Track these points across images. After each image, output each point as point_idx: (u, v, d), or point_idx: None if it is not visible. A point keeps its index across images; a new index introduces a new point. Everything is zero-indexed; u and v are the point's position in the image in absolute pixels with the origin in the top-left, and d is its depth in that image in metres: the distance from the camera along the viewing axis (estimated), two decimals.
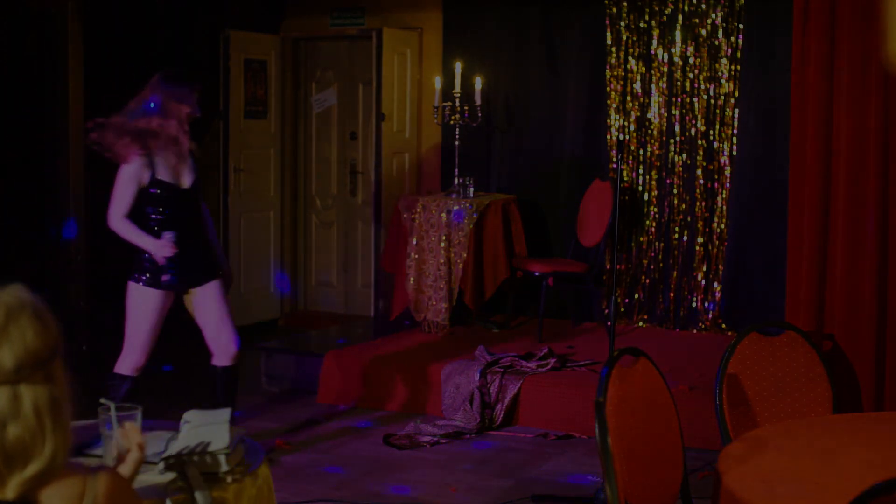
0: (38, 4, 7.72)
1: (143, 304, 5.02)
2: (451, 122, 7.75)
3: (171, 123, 4.94)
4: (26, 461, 1.74)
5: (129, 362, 5.18)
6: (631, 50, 7.64)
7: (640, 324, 7.71)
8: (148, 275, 4.99)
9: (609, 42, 7.67)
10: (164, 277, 5.00)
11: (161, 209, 4.99)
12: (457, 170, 7.72)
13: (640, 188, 7.69)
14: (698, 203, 7.49)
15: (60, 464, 1.78)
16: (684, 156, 7.54)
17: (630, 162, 7.67)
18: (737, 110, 7.34)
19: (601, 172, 7.58)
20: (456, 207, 7.22)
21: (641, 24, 7.59)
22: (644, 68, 7.60)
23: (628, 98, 7.65)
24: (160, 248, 4.90)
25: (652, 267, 7.67)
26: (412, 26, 8.45)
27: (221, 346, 5.30)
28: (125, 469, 2.21)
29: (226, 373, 5.36)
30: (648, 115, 7.61)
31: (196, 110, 5.05)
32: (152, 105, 4.94)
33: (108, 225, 4.99)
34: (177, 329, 8.62)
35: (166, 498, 2.52)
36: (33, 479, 1.75)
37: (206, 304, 5.18)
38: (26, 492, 1.76)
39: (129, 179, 4.90)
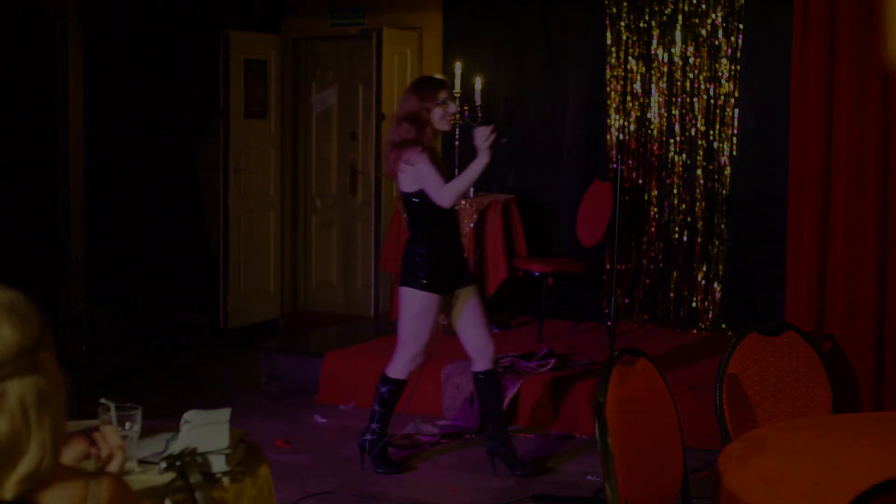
0: (38, 4, 7.72)
1: (426, 309, 5.04)
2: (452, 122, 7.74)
3: (409, 128, 5.02)
4: (17, 458, 1.73)
5: (410, 366, 5.17)
6: (631, 50, 7.64)
7: (641, 324, 7.71)
8: (425, 280, 5.02)
9: (609, 42, 7.67)
10: (439, 281, 5.04)
11: (435, 207, 5.02)
12: (457, 170, 7.70)
13: (641, 188, 7.68)
14: (698, 203, 7.49)
15: (51, 461, 1.76)
16: (684, 156, 7.54)
17: (630, 162, 7.67)
18: (737, 110, 7.34)
19: (601, 172, 7.58)
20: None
21: (641, 24, 7.59)
22: (644, 68, 7.60)
23: (628, 98, 7.65)
24: (483, 141, 4.95)
25: (652, 267, 7.67)
26: (412, 26, 8.45)
27: (482, 349, 5.22)
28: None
29: (488, 377, 5.30)
30: (648, 115, 7.61)
31: (447, 107, 5.07)
32: (402, 114, 5.08)
33: (445, 205, 4.98)
34: (178, 332, 8.65)
35: (166, 498, 2.52)
36: (28, 478, 1.74)
37: (467, 309, 5.17)
38: (24, 492, 1.75)
39: (429, 165, 4.98)
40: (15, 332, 1.74)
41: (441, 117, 5.08)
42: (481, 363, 5.23)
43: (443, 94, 5.08)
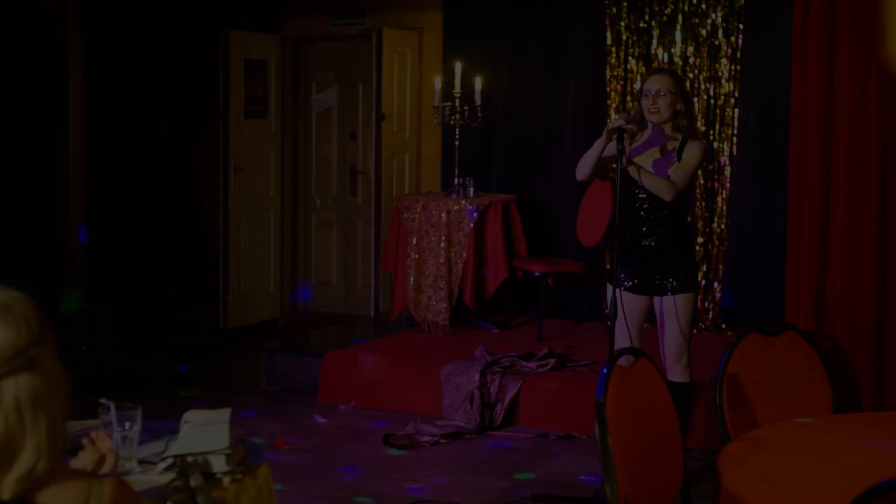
0: (38, 4, 7.72)
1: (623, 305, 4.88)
2: (451, 122, 7.74)
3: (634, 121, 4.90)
4: (13, 458, 1.73)
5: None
6: (631, 50, 7.63)
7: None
8: (615, 276, 4.87)
9: (609, 42, 7.66)
10: (620, 276, 4.93)
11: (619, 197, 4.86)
12: (457, 170, 7.71)
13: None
14: (698, 203, 7.49)
15: (47, 462, 1.76)
16: None
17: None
18: (737, 110, 7.34)
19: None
20: (469, 206, 7.25)
21: (641, 24, 7.59)
22: (644, 68, 7.59)
23: (628, 98, 7.65)
24: (610, 122, 4.80)
25: None
26: (412, 26, 8.44)
27: (666, 361, 5.17)
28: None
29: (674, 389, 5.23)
30: None
31: (646, 98, 4.84)
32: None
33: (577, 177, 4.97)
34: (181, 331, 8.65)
35: (166, 499, 2.52)
36: (24, 479, 1.74)
37: (661, 318, 5.11)
38: (22, 491, 1.75)
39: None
40: (10, 332, 1.74)
41: (646, 108, 4.88)
42: (668, 373, 5.17)
43: (646, 85, 4.88)
